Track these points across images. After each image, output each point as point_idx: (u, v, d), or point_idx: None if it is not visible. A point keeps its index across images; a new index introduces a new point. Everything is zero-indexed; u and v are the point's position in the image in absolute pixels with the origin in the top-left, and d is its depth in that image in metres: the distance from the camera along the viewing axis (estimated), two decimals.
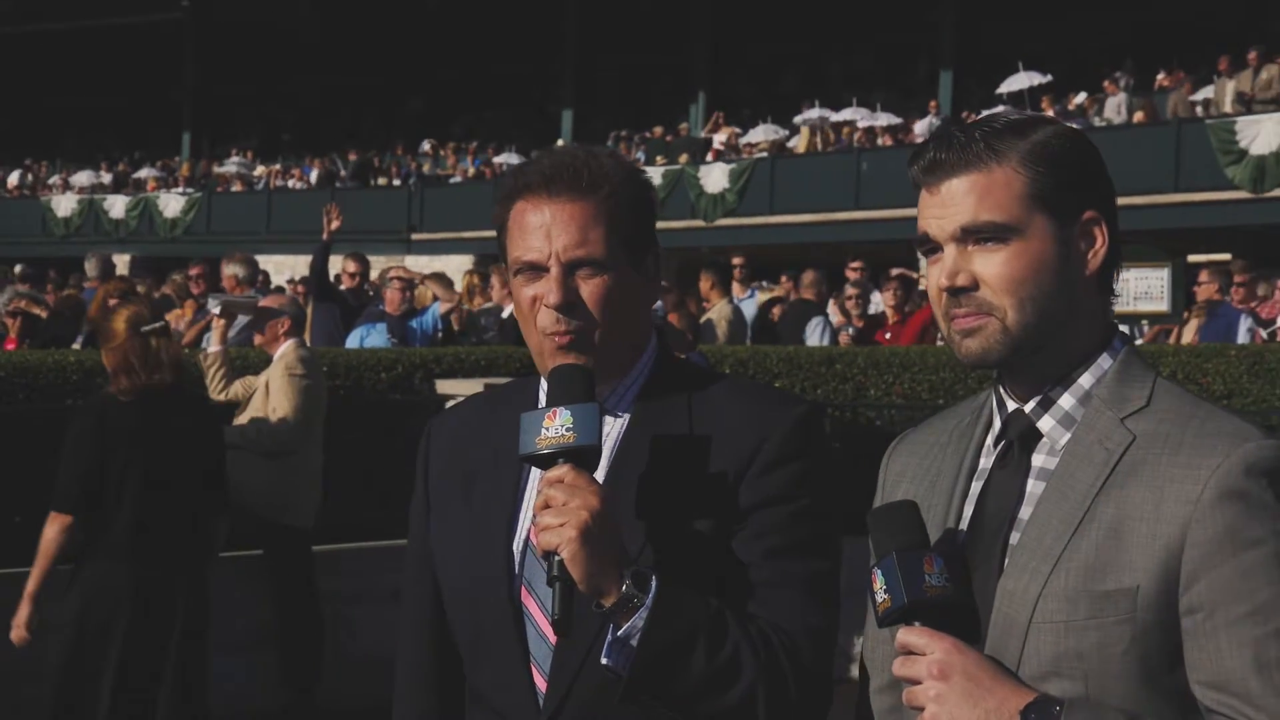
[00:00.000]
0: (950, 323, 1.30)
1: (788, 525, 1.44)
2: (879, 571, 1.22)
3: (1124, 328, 7.52)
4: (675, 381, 1.55)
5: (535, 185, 1.47)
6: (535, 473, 1.43)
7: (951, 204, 1.27)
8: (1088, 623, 1.20)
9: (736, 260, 11.29)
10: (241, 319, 6.60)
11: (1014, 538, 1.29)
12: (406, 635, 1.63)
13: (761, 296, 10.93)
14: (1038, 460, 1.32)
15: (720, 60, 22.89)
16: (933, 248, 1.30)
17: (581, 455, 1.36)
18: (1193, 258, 11.54)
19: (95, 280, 10.00)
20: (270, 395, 5.66)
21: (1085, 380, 1.28)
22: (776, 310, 10.14)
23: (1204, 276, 9.49)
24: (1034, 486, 1.30)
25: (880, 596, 1.21)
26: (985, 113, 1.06)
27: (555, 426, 1.33)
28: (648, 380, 1.54)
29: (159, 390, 4.13)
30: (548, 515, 1.33)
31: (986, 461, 1.37)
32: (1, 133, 28.37)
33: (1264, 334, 8.80)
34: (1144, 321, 8.50)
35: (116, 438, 4.03)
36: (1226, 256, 13.17)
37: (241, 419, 5.70)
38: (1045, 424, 1.29)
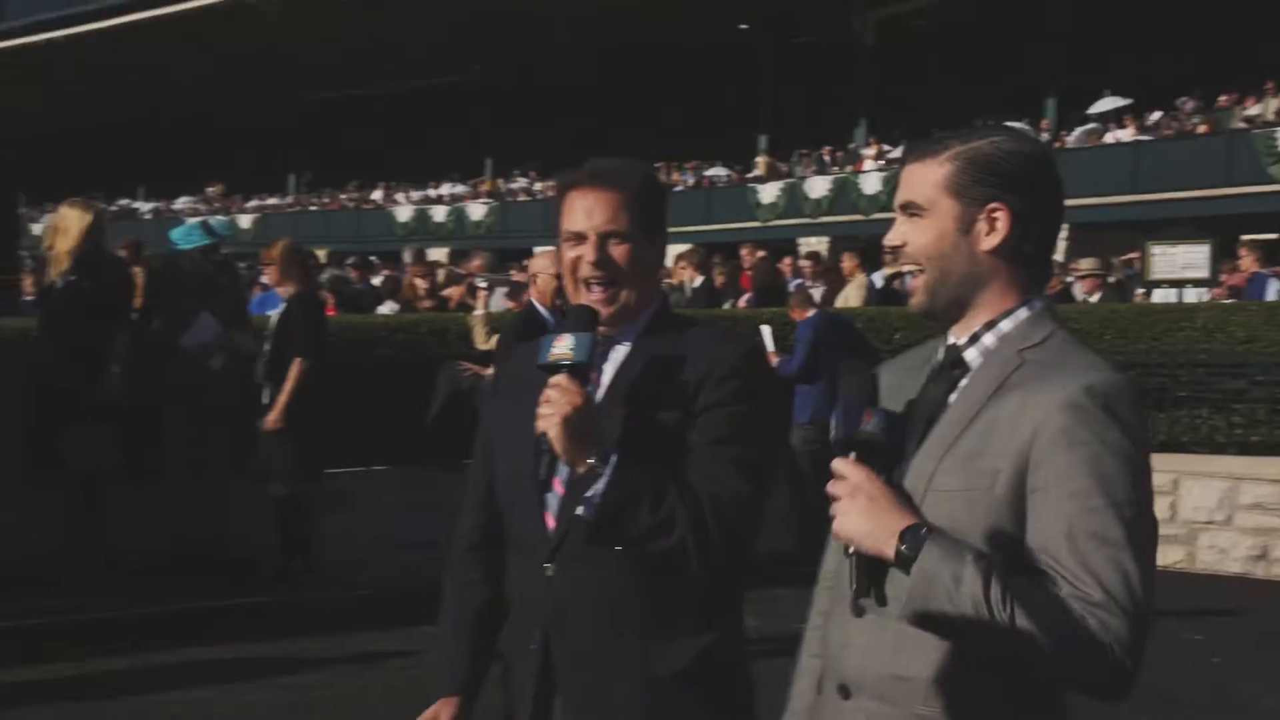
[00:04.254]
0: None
1: (728, 422, 2.35)
2: (834, 415, 2.04)
3: (1173, 291, 12.43)
4: (668, 326, 2.50)
5: (582, 180, 2.45)
6: None
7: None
8: (960, 491, 1.97)
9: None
10: (499, 290, 10.70)
11: (931, 431, 2.06)
12: (468, 499, 2.66)
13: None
14: (962, 380, 2.09)
15: (879, 97, 33.52)
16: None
17: (576, 369, 2.27)
18: (1244, 237, 16.41)
19: (409, 265, 15.83)
20: None
21: (1005, 325, 2.08)
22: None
23: (1243, 251, 13.48)
24: (953, 398, 2.08)
25: (834, 433, 2.03)
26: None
27: (561, 347, 2.28)
28: (649, 323, 2.48)
29: None
30: (544, 408, 2.24)
31: None
32: (367, 164, 43.68)
33: None
34: (1189, 285, 12.45)
35: None
36: (1273, 236, 18.50)
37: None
38: (970, 354, 2.09)
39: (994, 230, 2.07)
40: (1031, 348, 2.04)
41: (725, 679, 2.44)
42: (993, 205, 2.06)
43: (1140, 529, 1.90)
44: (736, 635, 2.48)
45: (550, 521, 2.42)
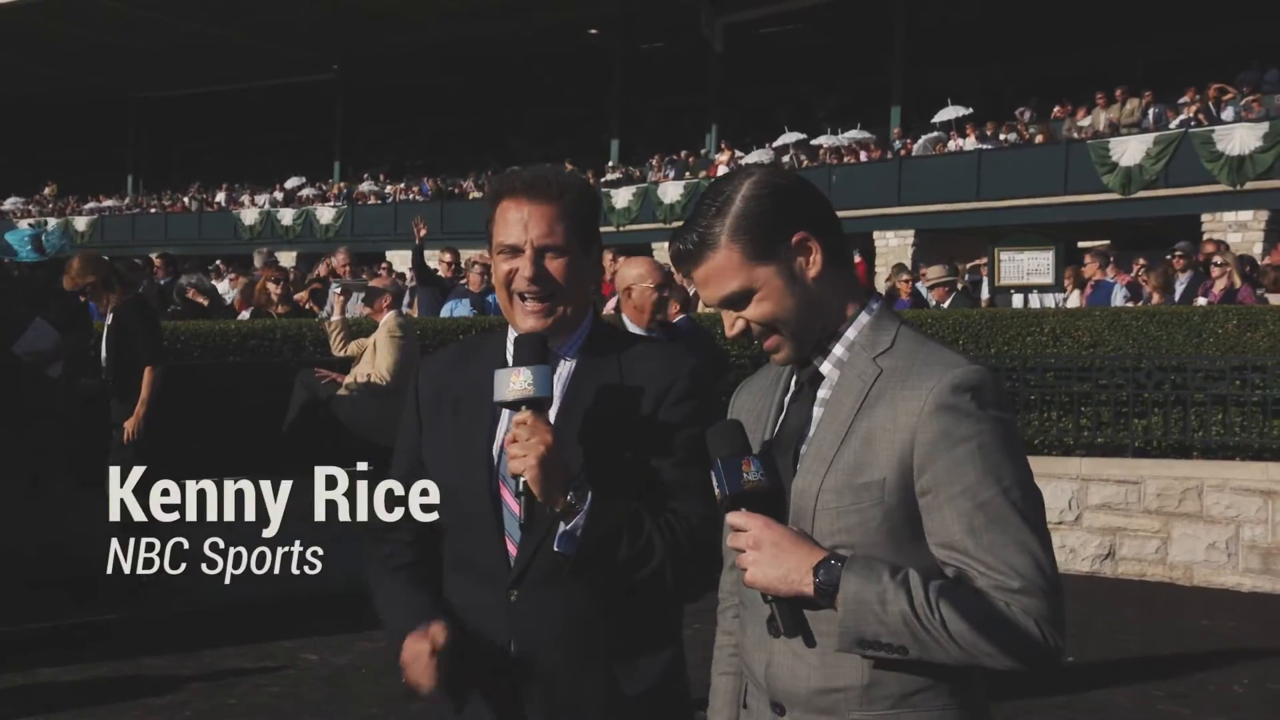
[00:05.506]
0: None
1: (688, 445, 2.39)
2: (712, 473, 2.09)
3: (1018, 296, 12.71)
4: (607, 339, 2.56)
5: (517, 190, 2.46)
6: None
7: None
8: (850, 507, 2.04)
9: None
10: (356, 295, 10.57)
11: (803, 450, 2.12)
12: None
13: None
14: (822, 394, 2.15)
15: (729, 102, 34.46)
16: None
17: (538, 403, 2.31)
18: (1081, 244, 17.72)
19: (260, 269, 15.36)
20: (376, 352, 8.77)
21: (850, 333, 2.15)
22: None
23: (1088, 258, 14.16)
24: (818, 413, 2.14)
25: (715, 490, 2.08)
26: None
27: (520, 382, 2.30)
28: (588, 337, 2.53)
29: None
30: (515, 448, 2.27)
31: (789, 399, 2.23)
32: (210, 165, 43.29)
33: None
34: (1034, 290, 13.15)
35: None
36: (1106, 242, 20.12)
37: (357, 370, 8.81)
38: (825, 368, 2.15)
39: (812, 255, 2.14)
40: (884, 354, 2.11)
41: (681, 694, 2.50)
42: (795, 238, 2.12)
43: (1031, 505, 1.99)
44: (682, 651, 2.54)
45: (511, 548, 2.43)
